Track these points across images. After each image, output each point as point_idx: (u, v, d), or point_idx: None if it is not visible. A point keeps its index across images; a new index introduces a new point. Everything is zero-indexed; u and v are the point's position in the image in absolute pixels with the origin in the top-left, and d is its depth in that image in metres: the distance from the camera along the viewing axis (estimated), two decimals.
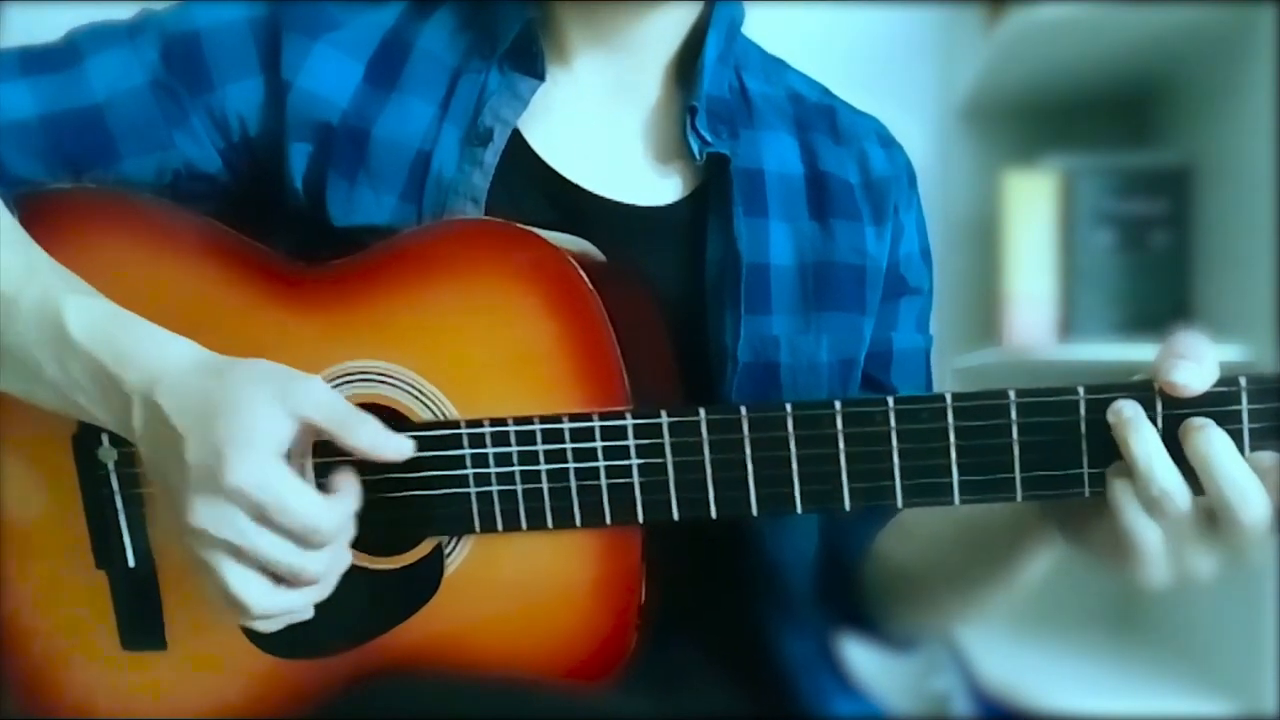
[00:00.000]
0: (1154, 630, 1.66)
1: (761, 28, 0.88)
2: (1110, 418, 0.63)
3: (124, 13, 0.81)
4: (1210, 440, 0.61)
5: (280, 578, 0.64)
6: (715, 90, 0.82)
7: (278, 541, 0.63)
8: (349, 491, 0.67)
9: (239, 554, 0.63)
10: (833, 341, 0.82)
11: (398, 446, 0.67)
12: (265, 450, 0.62)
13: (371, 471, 0.69)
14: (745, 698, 0.81)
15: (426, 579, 0.71)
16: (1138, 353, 1.40)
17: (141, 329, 0.67)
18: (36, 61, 0.78)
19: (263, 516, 0.62)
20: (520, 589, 0.71)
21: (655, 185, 0.82)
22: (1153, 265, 1.55)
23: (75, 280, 0.70)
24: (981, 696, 1.56)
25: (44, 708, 0.77)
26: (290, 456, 0.64)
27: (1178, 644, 1.58)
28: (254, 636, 0.73)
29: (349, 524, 0.66)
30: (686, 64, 0.83)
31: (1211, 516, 0.62)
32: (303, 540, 0.63)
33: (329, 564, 0.66)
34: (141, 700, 0.75)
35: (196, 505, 0.62)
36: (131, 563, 0.74)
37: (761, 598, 0.83)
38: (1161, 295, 1.55)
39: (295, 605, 0.66)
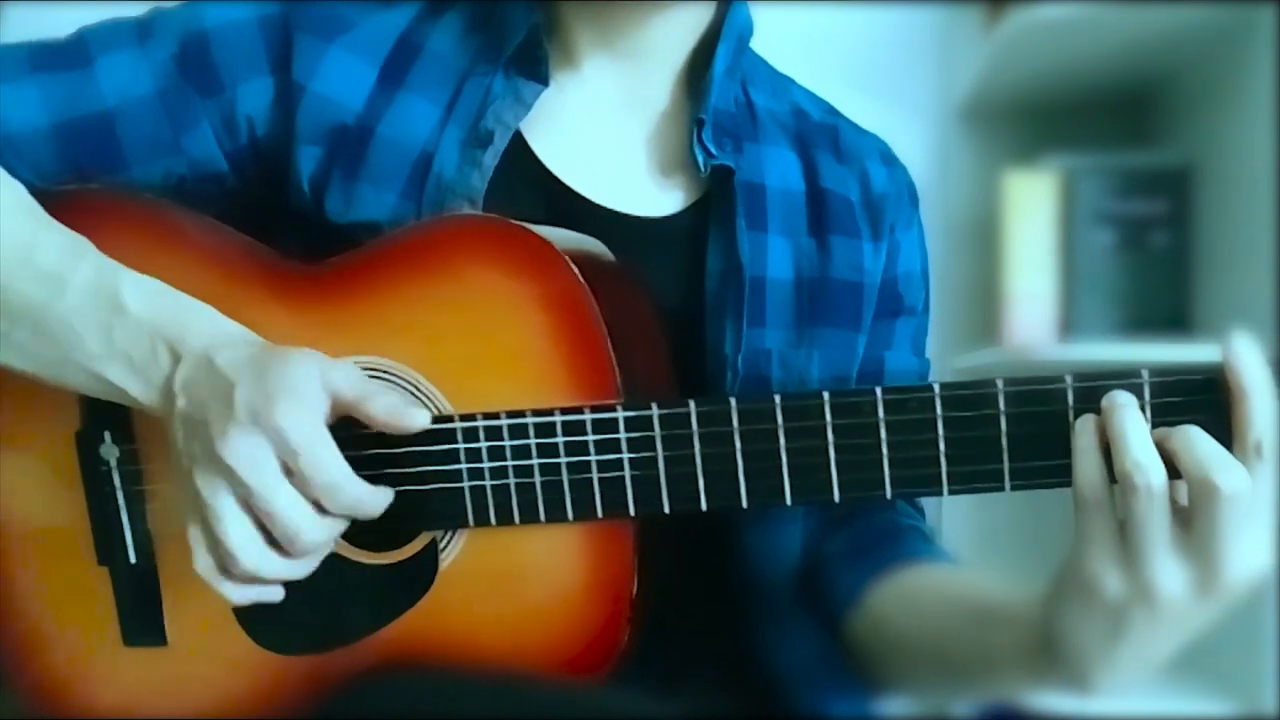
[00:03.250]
0: None
1: (762, 28, 0.87)
2: (1104, 403, 0.62)
3: (127, 11, 0.81)
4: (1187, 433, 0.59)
5: (273, 541, 0.65)
6: (722, 103, 0.82)
7: (292, 495, 0.64)
8: (384, 491, 0.68)
9: (248, 500, 0.63)
10: (824, 358, 0.82)
11: (412, 417, 0.68)
12: (313, 405, 0.64)
13: (368, 465, 0.69)
14: (740, 699, 0.81)
15: (422, 573, 0.71)
16: (1138, 353, 1.41)
17: (197, 304, 0.70)
18: (46, 60, 0.78)
19: (290, 465, 0.63)
20: (514, 582, 0.71)
21: (656, 196, 0.82)
22: (1153, 265, 1.55)
23: (116, 262, 0.71)
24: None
25: (46, 703, 0.77)
26: None
27: None
28: (252, 632, 0.73)
29: (359, 505, 0.67)
30: (695, 75, 0.83)
31: (1185, 520, 0.60)
32: (320, 496, 0.64)
33: (324, 539, 0.66)
34: (142, 695, 0.76)
35: (232, 437, 0.63)
36: (133, 559, 0.75)
37: (751, 599, 0.83)
38: (1161, 295, 1.55)
39: (275, 572, 0.66)
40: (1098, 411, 0.62)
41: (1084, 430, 0.62)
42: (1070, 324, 1.54)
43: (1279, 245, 1.29)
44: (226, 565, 0.65)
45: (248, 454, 0.63)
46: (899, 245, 0.86)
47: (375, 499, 0.68)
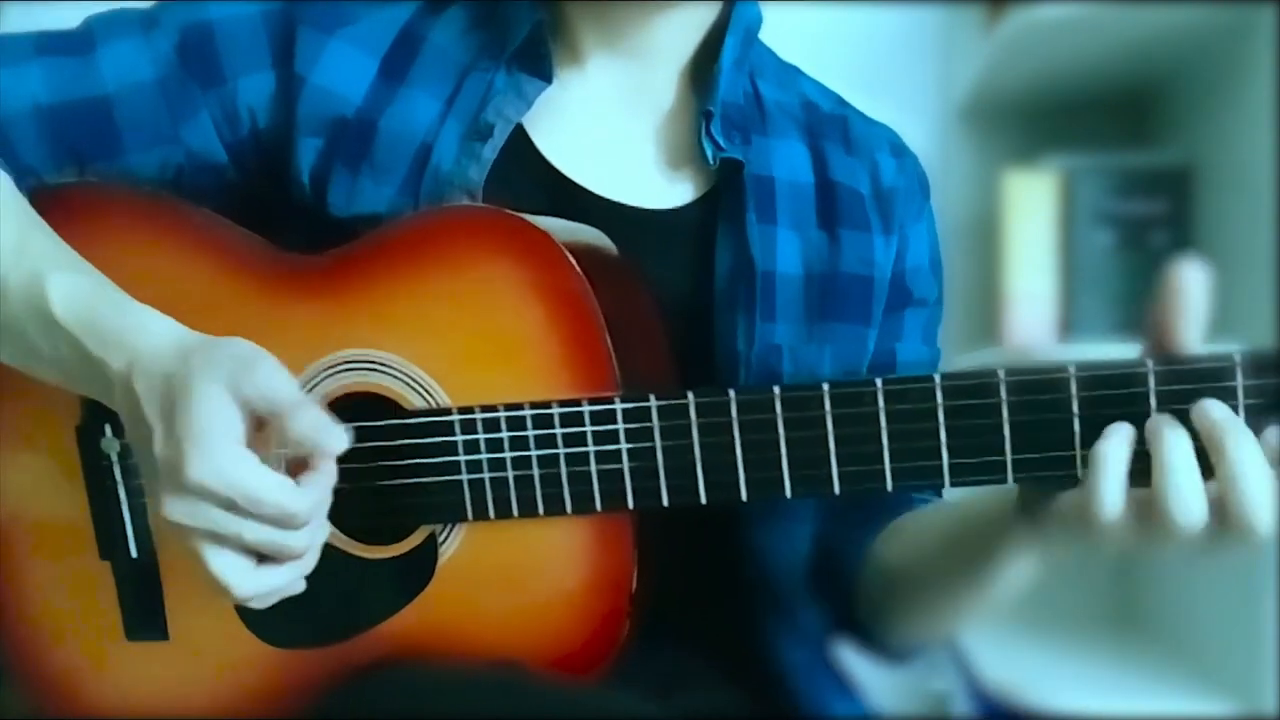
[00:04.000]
0: (1154, 630, 1.66)
1: (762, 28, 0.88)
2: (1150, 426, 0.61)
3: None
4: (1241, 445, 0.59)
5: (265, 556, 0.64)
6: (730, 96, 0.82)
7: (256, 526, 0.62)
8: (323, 472, 0.64)
9: (219, 540, 0.62)
10: (836, 352, 0.82)
11: (333, 439, 0.63)
12: (223, 442, 0.61)
13: (365, 459, 0.69)
14: (743, 699, 0.81)
15: (421, 568, 0.71)
16: (1137, 353, 1.40)
17: (125, 307, 0.67)
18: (51, 46, 0.78)
19: (234, 507, 0.61)
20: (513, 577, 0.71)
21: (663, 189, 0.82)
22: (1153, 265, 1.54)
23: (66, 256, 0.70)
24: (981, 696, 1.56)
25: (48, 699, 0.77)
26: (254, 442, 0.63)
27: (1178, 644, 1.58)
28: (253, 627, 0.73)
29: (324, 501, 0.64)
30: (702, 69, 0.83)
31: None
32: (280, 524, 0.62)
33: (312, 538, 0.65)
34: (144, 690, 0.76)
35: (166, 500, 0.61)
36: (134, 553, 0.75)
37: (757, 600, 0.83)
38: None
39: (280, 582, 0.65)
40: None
41: (1114, 446, 0.61)
42: (1070, 324, 1.55)
43: (1279, 245, 1.29)
44: (224, 591, 0.64)
45: (186, 513, 0.61)
46: (909, 239, 0.86)
47: (322, 491, 0.64)
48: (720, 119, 0.80)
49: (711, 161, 0.79)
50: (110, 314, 0.66)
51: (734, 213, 0.80)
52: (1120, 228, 1.55)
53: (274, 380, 0.63)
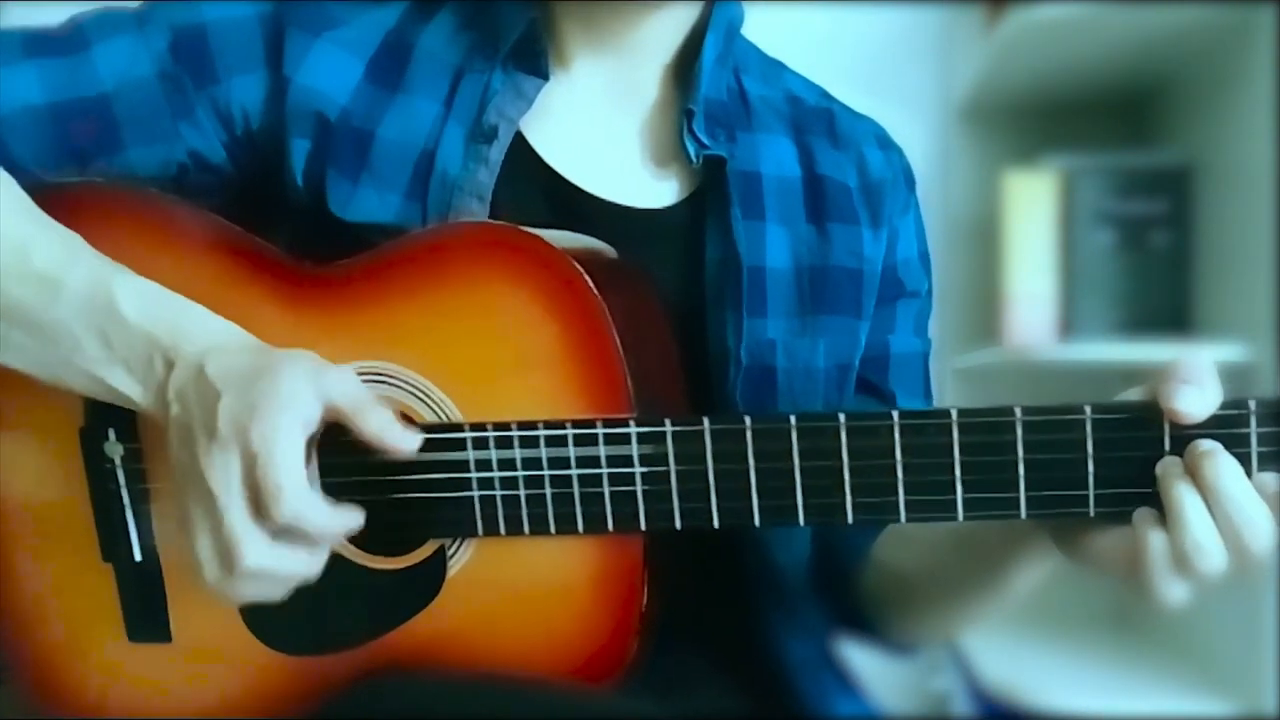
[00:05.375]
0: (1154, 630, 1.66)
1: (762, 28, 0.88)
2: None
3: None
4: (1219, 467, 0.60)
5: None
6: (713, 93, 0.82)
7: (241, 510, 0.63)
8: (346, 512, 0.66)
9: (210, 510, 0.63)
10: (829, 345, 0.82)
11: (402, 440, 0.67)
12: (294, 416, 0.64)
13: (377, 472, 0.69)
14: (745, 699, 0.81)
15: (429, 580, 0.71)
16: (1138, 353, 1.41)
17: (192, 307, 0.69)
18: (42, 46, 0.78)
19: (250, 474, 0.62)
20: (522, 592, 0.70)
21: (653, 187, 0.82)
22: (1153, 265, 1.55)
23: (112, 261, 0.70)
24: (981, 696, 1.56)
25: (49, 700, 0.77)
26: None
27: (1178, 644, 1.58)
28: (256, 631, 0.73)
29: (298, 520, 0.64)
30: (685, 66, 0.83)
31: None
32: (266, 500, 0.62)
33: (269, 565, 0.64)
34: (146, 693, 0.76)
35: (212, 450, 0.63)
36: (137, 556, 0.74)
37: (760, 599, 0.83)
38: (1161, 295, 1.55)
39: (223, 587, 0.65)
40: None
41: (1189, 498, 0.61)
42: (1070, 324, 1.55)
43: (1279, 245, 1.29)
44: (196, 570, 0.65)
45: (219, 466, 0.63)
46: (898, 232, 0.86)
47: (320, 516, 0.65)
48: (703, 116, 0.80)
49: (694, 159, 0.80)
50: (180, 311, 0.69)
51: (720, 209, 0.80)
52: (1120, 228, 1.55)
53: (351, 379, 0.68)
